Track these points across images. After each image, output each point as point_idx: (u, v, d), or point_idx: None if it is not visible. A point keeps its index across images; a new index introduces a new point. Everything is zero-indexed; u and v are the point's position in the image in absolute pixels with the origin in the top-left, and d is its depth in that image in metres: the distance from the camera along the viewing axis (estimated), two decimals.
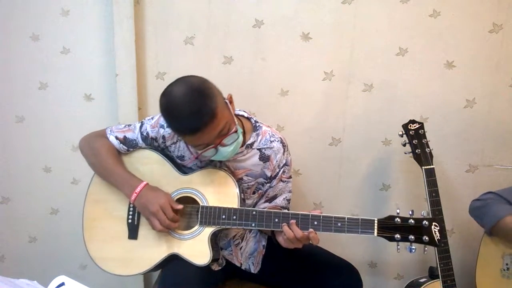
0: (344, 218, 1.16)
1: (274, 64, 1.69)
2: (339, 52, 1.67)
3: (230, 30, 1.67)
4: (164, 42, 1.69)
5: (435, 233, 1.10)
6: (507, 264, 1.44)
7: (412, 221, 1.11)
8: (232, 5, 1.65)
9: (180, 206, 1.24)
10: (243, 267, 1.41)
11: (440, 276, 1.43)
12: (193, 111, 1.09)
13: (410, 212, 1.14)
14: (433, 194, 1.43)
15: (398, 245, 1.14)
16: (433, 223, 1.10)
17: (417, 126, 1.49)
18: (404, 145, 1.51)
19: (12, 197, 1.85)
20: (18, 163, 1.81)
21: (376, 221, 1.13)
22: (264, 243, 1.41)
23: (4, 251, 1.91)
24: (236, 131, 1.18)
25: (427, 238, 1.10)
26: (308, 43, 1.67)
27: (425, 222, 1.10)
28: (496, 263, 1.45)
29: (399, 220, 1.12)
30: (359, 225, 1.14)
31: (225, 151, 1.19)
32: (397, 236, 1.12)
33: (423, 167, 1.45)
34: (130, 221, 1.32)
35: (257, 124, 1.35)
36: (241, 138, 1.22)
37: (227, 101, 1.20)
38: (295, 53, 1.68)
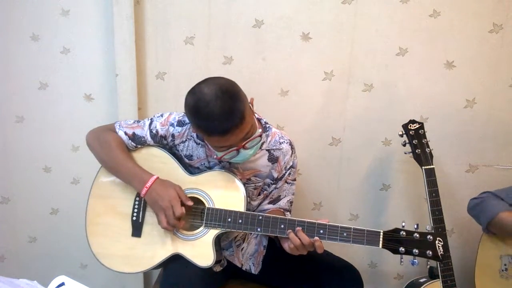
0: (350, 228, 1.16)
1: (274, 64, 1.69)
2: (339, 52, 1.67)
3: (230, 30, 1.67)
4: (164, 42, 1.69)
5: (439, 248, 1.11)
6: (505, 265, 1.44)
7: (417, 235, 1.13)
8: (232, 5, 1.65)
9: (190, 202, 1.23)
10: (244, 268, 1.41)
11: (440, 276, 1.43)
12: (225, 112, 1.09)
13: (415, 226, 1.15)
14: (433, 194, 1.43)
15: (401, 258, 1.15)
16: (438, 238, 1.12)
17: (417, 126, 1.49)
18: (404, 145, 1.51)
19: (12, 197, 1.85)
20: (18, 163, 1.81)
21: (381, 234, 1.14)
22: (265, 244, 1.41)
23: (4, 251, 1.91)
24: (260, 135, 1.19)
25: (430, 252, 1.11)
26: (308, 43, 1.67)
27: (430, 237, 1.12)
28: (495, 264, 1.46)
29: (404, 233, 1.13)
30: (364, 237, 1.15)
31: (246, 153, 1.20)
32: (402, 249, 1.13)
33: (423, 167, 1.45)
34: (134, 218, 1.30)
35: (267, 125, 1.35)
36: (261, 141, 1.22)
37: (250, 105, 1.20)
38: (295, 53, 1.68)
